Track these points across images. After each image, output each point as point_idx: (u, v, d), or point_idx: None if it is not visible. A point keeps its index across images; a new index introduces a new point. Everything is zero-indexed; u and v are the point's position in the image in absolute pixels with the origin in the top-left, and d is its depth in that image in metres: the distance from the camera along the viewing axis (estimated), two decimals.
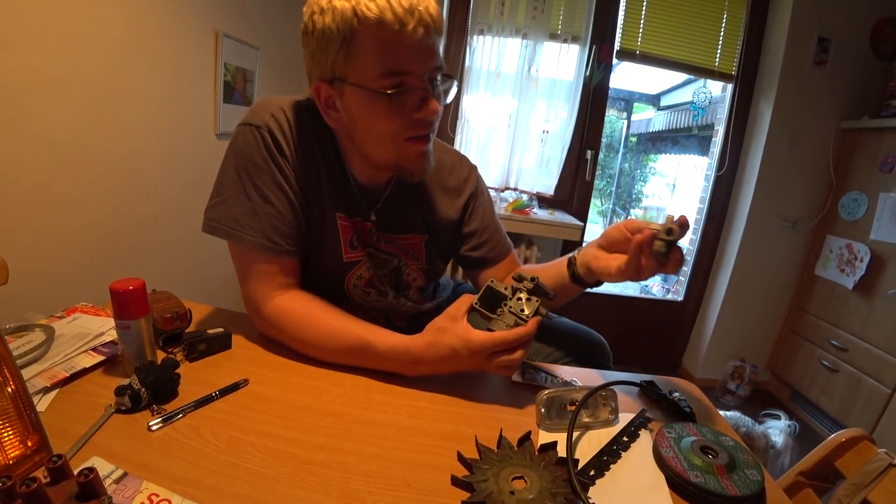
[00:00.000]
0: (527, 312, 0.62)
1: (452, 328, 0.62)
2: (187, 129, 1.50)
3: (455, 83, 0.70)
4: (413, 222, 0.82)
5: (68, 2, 1.04)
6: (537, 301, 0.62)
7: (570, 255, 0.76)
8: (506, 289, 0.64)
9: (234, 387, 0.60)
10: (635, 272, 0.61)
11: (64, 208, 1.12)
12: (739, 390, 2.31)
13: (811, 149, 2.18)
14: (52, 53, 1.03)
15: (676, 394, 0.67)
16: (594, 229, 6.49)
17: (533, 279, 0.64)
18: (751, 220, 2.24)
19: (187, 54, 1.45)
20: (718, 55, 2.23)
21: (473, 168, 0.89)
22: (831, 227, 2.18)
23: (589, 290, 0.77)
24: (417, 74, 0.61)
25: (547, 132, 2.24)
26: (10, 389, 0.48)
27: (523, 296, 0.63)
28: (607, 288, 4.63)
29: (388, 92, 0.60)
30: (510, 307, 0.63)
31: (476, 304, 0.63)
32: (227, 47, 1.58)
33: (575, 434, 0.54)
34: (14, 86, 0.96)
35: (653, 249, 0.59)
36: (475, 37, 2.16)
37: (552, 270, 0.78)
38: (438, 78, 0.64)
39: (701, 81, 2.62)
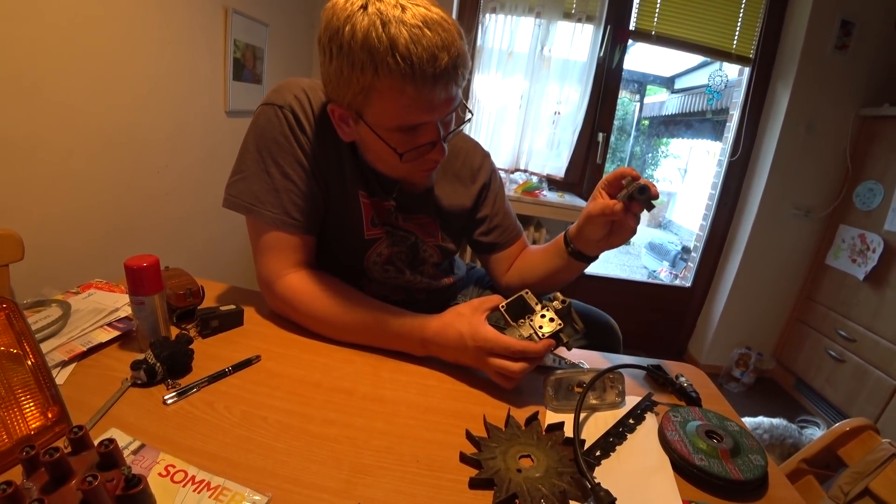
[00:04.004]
0: (544, 331, 0.61)
1: (469, 317, 0.63)
2: (197, 106, 1.50)
3: (471, 115, 0.71)
4: (427, 205, 0.83)
5: None
6: (559, 325, 0.61)
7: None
8: (537, 303, 0.63)
9: (247, 363, 0.61)
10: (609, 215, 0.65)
11: (77, 185, 1.13)
12: (744, 378, 2.31)
13: (828, 136, 2.13)
14: (61, 32, 1.02)
15: (683, 379, 0.67)
16: None
17: (565, 301, 0.63)
18: (763, 207, 2.21)
19: (196, 30, 1.43)
20: (736, 37, 2.17)
21: (487, 156, 0.89)
22: (845, 217, 2.14)
23: (585, 260, 0.77)
24: (432, 127, 0.62)
25: (558, 114, 2.21)
26: (30, 362, 0.49)
27: (549, 314, 0.62)
28: (615, 272, 4.64)
29: (399, 152, 0.62)
30: (532, 321, 0.62)
31: (503, 307, 0.63)
32: (237, 23, 1.56)
33: (582, 415, 0.55)
34: (26, 65, 0.96)
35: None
36: (487, 15, 2.12)
37: (551, 247, 0.80)
38: (449, 126, 0.65)
39: (717, 64, 2.55)
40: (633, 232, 0.68)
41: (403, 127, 0.60)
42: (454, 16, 2.12)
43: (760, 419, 1.63)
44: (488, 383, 0.63)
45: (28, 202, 1.02)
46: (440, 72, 0.54)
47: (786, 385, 2.38)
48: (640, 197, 0.62)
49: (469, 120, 0.70)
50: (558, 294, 0.64)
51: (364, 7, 0.54)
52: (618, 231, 0.68)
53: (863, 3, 1.98)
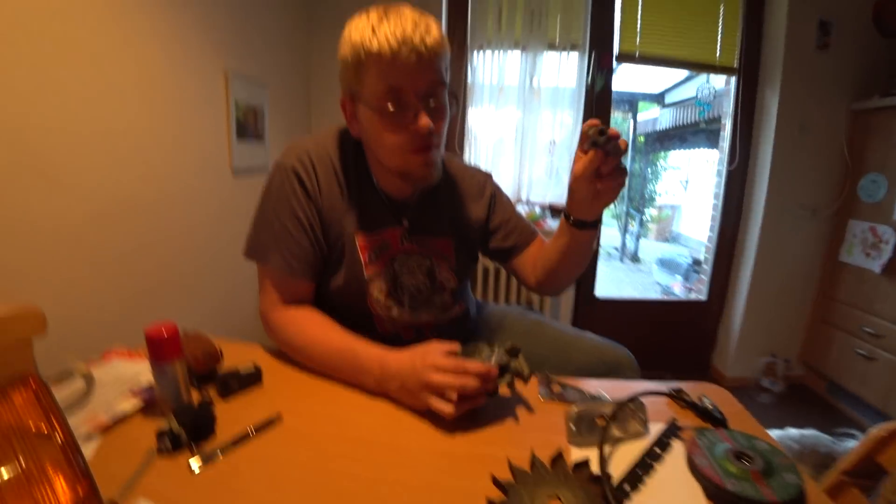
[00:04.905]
0: (494, 361, 0.63)
1: (426, 346, 0.66)
2: (204, 168, 1.55)
3: (455, 97, 0.80)
4: (442, 226, 0.89)
5: (86, 63, 1.10)
6: (507, 358, 0.64)
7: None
8: (491, 345, 0.68)
9: (269, 422, 0.61)
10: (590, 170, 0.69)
11: (93, 254, 1.16)
12: (775, 387, 2.25)
13: (823, 134, 2.15)
14: (75, 113, 1.08)
15: (706, 399, 0.67)
16: (610, 233, 6.47)
17: (514, 345, 0.67)
18: (768, 211, 2.21)
19: (199, 95, 1.51)
20: (719, 49, 2.23)
21: (489, 174, 1.00)
22: (852, 212, 2.13)
23: (586, 227, 0.79)
24: (410, 93, 0.70)
25: (554, 142, 2.25)
26: (58, 438, 0.50)
27: (500, 350, 0.66)
28: (629, 293, 4.59)
29: (388, 106, 0.70)
30: (485, 355, 0.65)
31: (459, 351, 0.66)
32: (237, 86, 1.64)
33: (606, 448, 0.54)
34: (45, 146, 1.02)
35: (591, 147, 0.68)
36: (475, 53, 2.20)
37: (557, 229, 0.85)
38: (432, 97, 0.72)
39: (704, 76, 2.61)
40: (618, 183, 0.71)
41: (386, 91, 0.69)
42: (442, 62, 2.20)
43: (788, 430, 1.58)
44: (508, 424, 0.63)
45: (47, 274, 1.05)
46: (409, 37, 0.67)
47: (818, 390, 2.31)
48: (601, 139, 0.66)
49: (455, 107, 0.78)
50: (516, 344, 0.68)
51: (357, 18, 0.71)
52: (603, 190, 0.71)
53: (838, 2, 2.04)
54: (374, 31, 0.68)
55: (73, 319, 1.10)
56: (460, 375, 0.60)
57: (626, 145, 0.68)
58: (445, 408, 0.60)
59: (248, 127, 1.73)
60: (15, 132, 0.96)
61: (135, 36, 1.24)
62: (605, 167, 0.69)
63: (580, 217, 0.79)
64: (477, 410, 0.63)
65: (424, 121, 0.71)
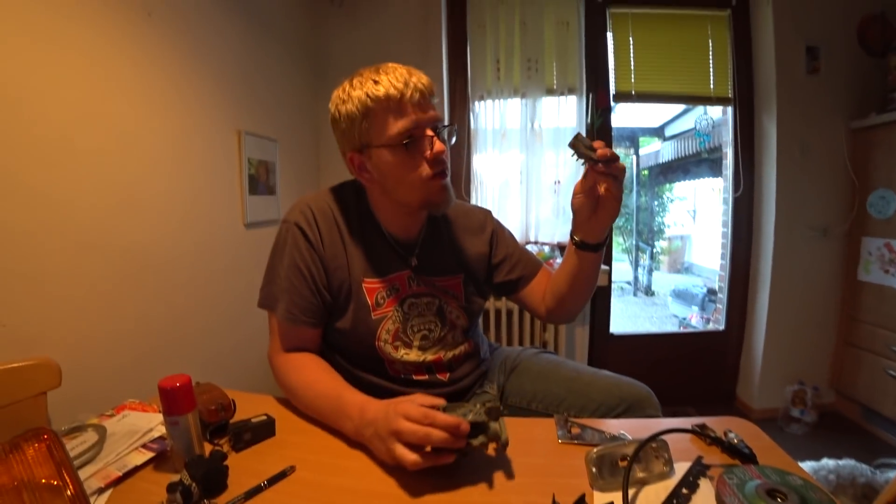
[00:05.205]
0: (469, 418, 0.59)
1: (408, 397, 0.64)
2: (217, 222, 1.60)
3: (455, 128, 0.86)
4: (449, 264, 0.93)
5: (111, 128, 1.17)
6: (486, 418, 0.60)
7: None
8: (474, 405, 0.63)
9: (282, 475, 0.60)
10: (586, 185, 0.78)
11: (107, 308, 1.18)
12: (805, 416, 2.14)
13: (825, 154, 2.17)
14: (99, 175, 1.13)
15: (732, 434, 0.64)
16: (622, 267, 6.43)
17: (497, 408, 0.62)
18: (778, 234, 2.19)
19: (214, 154, 1.57)
20: (712, 81, 2.29)
21: (488, 211, 1.04)
22: (865, 229, 2.11)
23: (591, 249, 0.85)
24: (422, 125, 0.77)
25: (559, 182, 2.27)
26: (69, 493, 0.50)
27: (480, 409, 0.61)
28: (645, 327, 4.50)
29: (405, 142, 0.76)
30: (460, 412, 0.60)
31: (442, 406, 0.62)
32: (249, 143, 1.71)
33: (631, 491, 0.52)
34: (64, 200, 1.06)
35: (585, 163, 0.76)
36: (476, 102, 2.28)
37: (565, 253, 0.90)
38: (439, 127, 0.80)
39: (701, 108, 2.67)
40: (615, 196, 0.77)
41: (400, 129, 0.76)
42: (445, 106, 2.29)
43: (824, 462, 1.49)
44: (526, 469, 0.61)
45: (62, 328, 1.07)
46: (410, 79, 0.76)
47: (853, 416, 2.20)
48: (585, 151, 0.73)
49: (454, 130, 0.85)
50: (498, 406, 0.62)
51: (350, 81, 0.79)
52: (603, 202, 0.78)
53: (822, 27, 2.11)
54: (375, 82, 0.76)
55: (88, 371, 1.11)
56: (427, 426, 0.57)
57: (610, 151, 0.74)
58: (409, 456, 0.56)
59: (260, 182, 1.79)
60: (42, 195, 1.01)
61: (157, 101, 1.32)
62: (598, 176, 0.76)
63: (586, 239, 0.84)
64: (453, 466, 0.59)
65: (440, 146, 0.78)
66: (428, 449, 0.58)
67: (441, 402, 0.63)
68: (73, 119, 1.07)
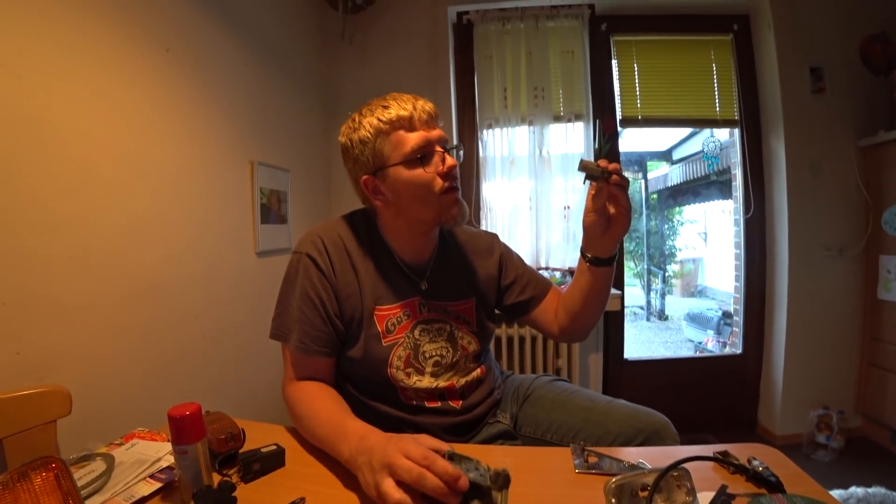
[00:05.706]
0: (470, 476, 0.53)
1: (413, 435, 0.60)
2: (230, 251, 1.62)
3: (462, 147, 0.93)
4: (460, 288, 0.93)
5: (127, 160, 1.20)
6: (489, 483, 0.53)
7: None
8: (479, 465, 0.56)
9: None
10: (598, 203, 0.82)
11: (119, 336, 1.19)
12: (832, 442, 2.05)
13: (836, 173, 2.16)
14: (113, 204, 1.16)
15: (756, 462, 0.62)
16: (634, 292, 6.35)
17: (506, 473, 0.54)
18: (793, 255, 2.16)
19: (227, 184, 1.61)
20: (718, 104, 2.31)
21: (495, 234, 1.07)
22: (882, 247, 2.07)
23: (605, 264, 0.87)
24: (432, 142, 0.82)
25: (568, 207, 2.27)
26: None
27: (487, 471, 0.54)
28: (660, 352, 4.40)
29: (419, 157, 0.80)
30: (465, 466, 0.55)
31: (448, 452, 0.56)
32: (262, 173, 1.75)
33: None
34: (83, 229, 1.08)
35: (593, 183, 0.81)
36: (485, 130, 2.31)
37: (576, 270, 0.92)
38: (447, 145, 0.85)
39: (708, 131, 2.68)
40: (625, 210, 0.81)
41: (412, 146, 0.80)
42: (454, 134, 2.33)
43: (853, 490, 1.43)
44: (541, 501, 0.59)
45: (74, 357, 1.07)
46: (416, 103, 0.82)
47: (882, 441, 2.10)
48: (595, 170, 0.77)
49: (461, 148, 0.90)
50: (508, 473, 0.54)
51: (359, 111, 0.85)
52: (614, 218, 0.82)
53: (825, 48, 2.14)
54: (385, 107, 0.81)
55: (97, 399, 1.11)
56: (423, 468, 0.52)
57: (617, 167, 0.78)
58: (395, 494, 0.52)
59: (271, 211, 1.82)
60: (63, 224, 1.03)
61: (174, 132, 1.36)
62: (613, 188, 0.79)
63: (597, 254, 0.86)
64: None
65: (451, 160, 0.83)
66: (420, 498, 0.53)
67: (446, 447, 0.57)
68: (93, 150, 1.11)
